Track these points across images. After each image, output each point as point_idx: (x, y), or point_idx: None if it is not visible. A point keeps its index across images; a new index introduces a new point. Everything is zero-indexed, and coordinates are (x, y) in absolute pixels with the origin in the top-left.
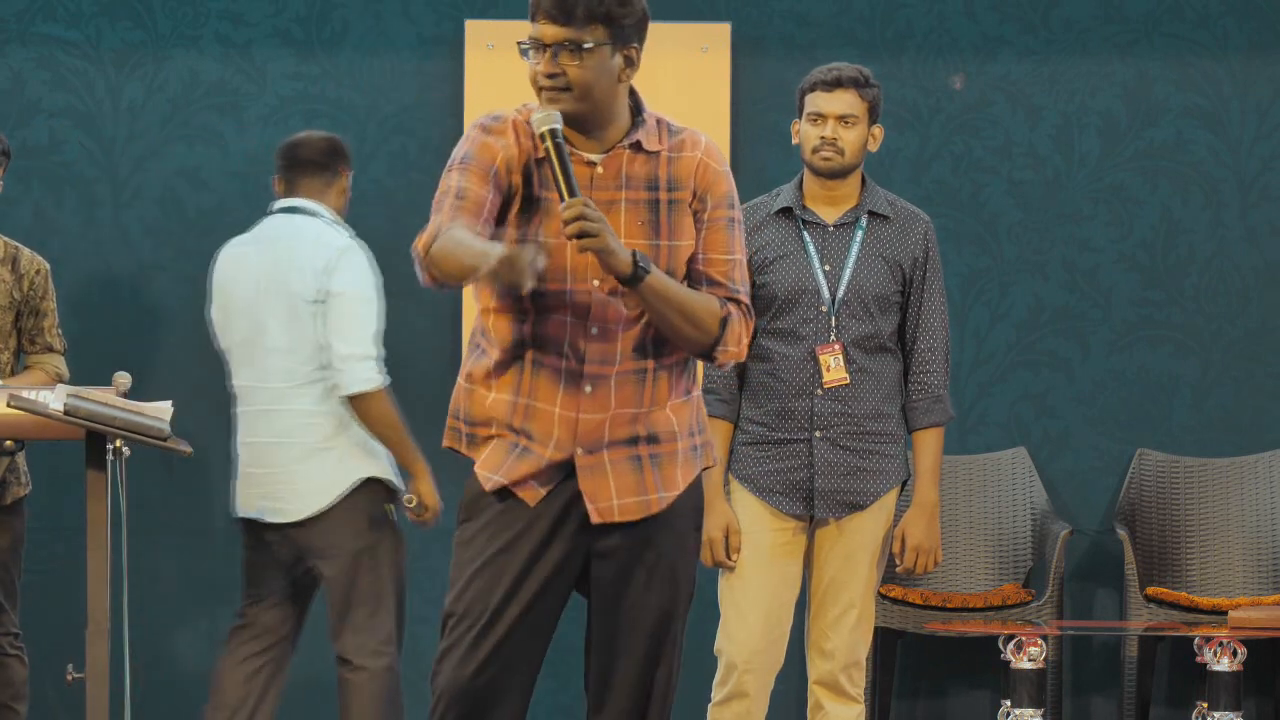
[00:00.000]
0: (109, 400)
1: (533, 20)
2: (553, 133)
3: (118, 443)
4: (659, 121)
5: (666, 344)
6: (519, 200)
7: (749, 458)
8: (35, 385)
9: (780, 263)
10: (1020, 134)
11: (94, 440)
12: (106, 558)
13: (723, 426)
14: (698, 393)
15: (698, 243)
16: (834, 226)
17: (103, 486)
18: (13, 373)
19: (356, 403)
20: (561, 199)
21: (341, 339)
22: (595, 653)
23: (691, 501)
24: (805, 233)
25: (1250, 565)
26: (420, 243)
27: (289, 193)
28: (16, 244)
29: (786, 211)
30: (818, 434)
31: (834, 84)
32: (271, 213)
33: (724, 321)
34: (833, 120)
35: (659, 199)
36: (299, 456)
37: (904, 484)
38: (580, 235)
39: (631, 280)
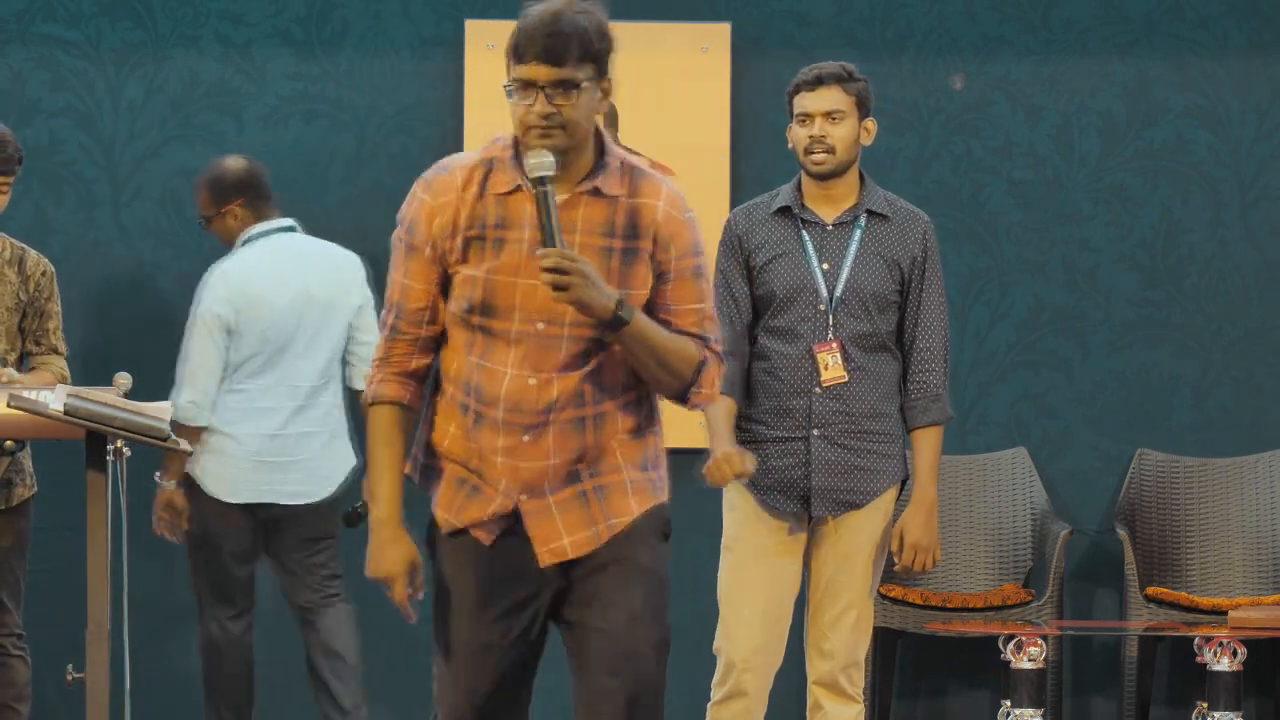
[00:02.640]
0: (109, 400)
1: (519, 61)
2: (543, 180)
3: (118, 443)
4: (622, 164)
5: (609, 390)
6: (474, 244)
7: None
8: (41, 386)
9: (778, 261)
10: (1020, 134)
11: (94, 440)
12: (106, 558)
13: (725, 400)
14: (654, 432)
15: (666, 294)
16: (832, 225)
17: (103, 486)
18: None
19: None
20: (544, 243)
21: (373, 340)
22: (580, 674)
23: (652, 522)
24: (804, 231)
25: (1250, 565)
26: (368, 393)
27: (262, 215)
28: (23, 245)
29: (785, 211)
30: (815, 432)
31: (816, 82)
32: (268, 233)
33: (700, 365)
34: (819, 118)
35: (613, 246)
36: (325, 443)
37: (903, 483)
38: (557, 287)
39: (613, 324)
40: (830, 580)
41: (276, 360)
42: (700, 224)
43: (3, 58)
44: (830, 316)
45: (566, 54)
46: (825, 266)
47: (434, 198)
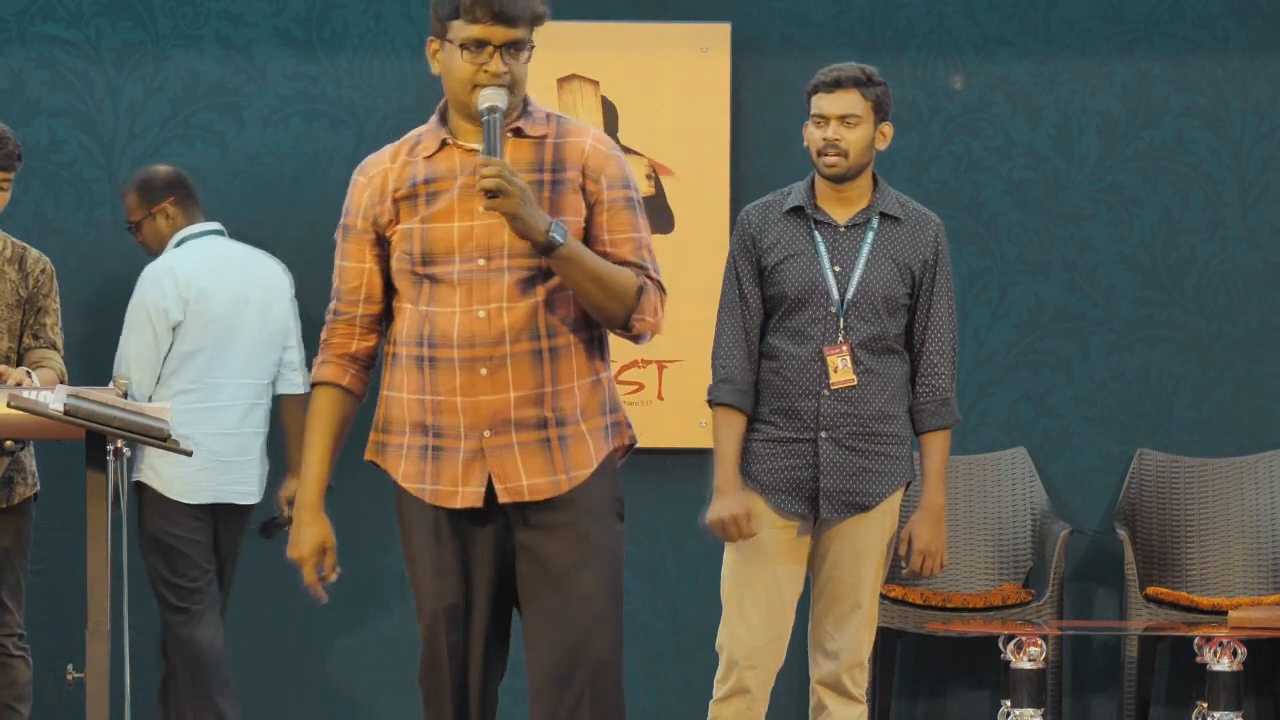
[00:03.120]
0: (109, 400)
1: (472, 19)
2: (494, 108)
3: (118, 443)
4: (549, 115)
5: (562, 322)
6: (404, 204)
7: (754, 455)
8: (47, 384)
9: (790, 262)
10: (1020, 134)
11: (94, 440)
12: (106, 558)
13: (735, 416)
14: (608, 374)
15: (601, 224)
16: (845, 227)
17: (103, 486)
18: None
19: (300, 399)
20: (485, 161)
21: (297, 344)
22: (530, 641)
23: (608, 488)
24: (816, 233)
25: (1250, 565)
26: (311, 375)
27: (193, 217)
28: (23, 244)
29: (798, 211)
30: (823, 434)
31: (834, 85)
32: (202, 234)
33: (640, 290)
34: (834, 121)
35: (543, 180)
36: (263, 444)
37: (909, 486)
38: (494, 191)
39: (547, 247)
40: (837, 580)
41: (223, 358)
42: (705, 225)
43: (3, 58)
44: (841, 319)
45: (519, 16)
46: (837, 269)
47: (365, 175)
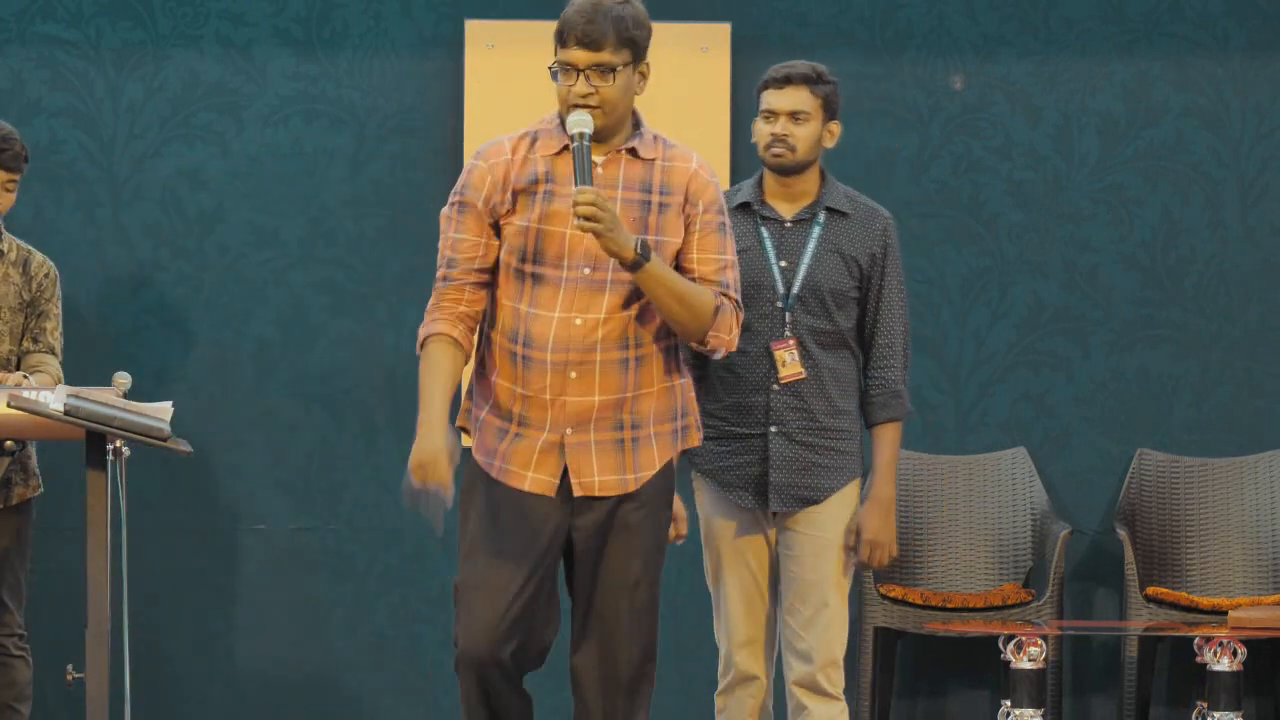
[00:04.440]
0: (109, 400)
1: (563, 45)
2: (582, 135)
3: (118, 443)
4: (655, 137)
5: (648, 333)
6: (523, 196)
7: (708, 451)
8: (42, 386)
9: (737, 258)
10: (1020, 134)
11: (94, 440)
12: (106, 558)
13: None
14: (684, 379)
15: (691, 244)
16: (791, 222)
17: (103, 486)
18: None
19: None
20: (576, 187)
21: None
22: (577, 602)
23: (664, 481)
24: (763, 228)
25: (1250, 565)
26: (419, 337)
27: None
28: (29, 247)
29: (745, 207)
30: (773, 429)
31: (784, 81)
32: None
33: (717, 310)
34: (784, 117)
35: (650, 200)
36: None
37: (866, 479)
38: (588, 219)
39: (634, 265)
40: (800, 580)
41: None
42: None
43: (3, 58)
44: (787, 314)
45: (604, 40)
46: (783, 263)
47: (486, 161)
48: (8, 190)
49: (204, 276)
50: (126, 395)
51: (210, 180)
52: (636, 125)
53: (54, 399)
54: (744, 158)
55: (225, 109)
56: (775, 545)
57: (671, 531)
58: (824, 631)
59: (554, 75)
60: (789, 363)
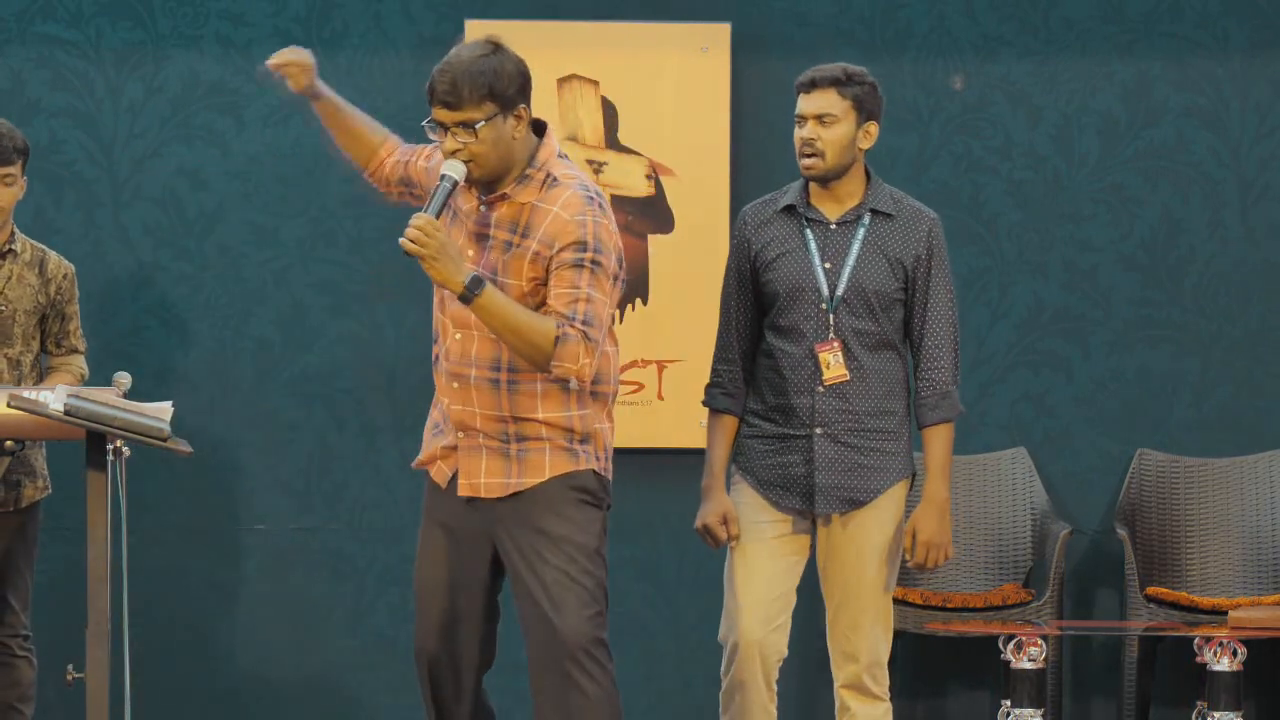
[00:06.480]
0: (109, 400)
1: (430, 103)
2: (446, 177)
3: (118, 443)
4: (548, 179)
5: (524, 364)
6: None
7: (752, 450)
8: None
9: (782, 260)
10: (1020, 134)
11: (94, 440)
12: (106, 558)
13: (727, 421)
14: (583, 412)
15: (551, 282)
16: (836, 224)
17: (103, 486)
18: (36, 375)
19: None
20: (415, 216)
21: None
22: (517, 600)
23: (570, 480)
24: (808, 230)
25: (1250, 565)
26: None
27: None
28: (44, 247)
29: (790, 210)
30: (818, 430)
31: (810, 85)
32: None
33: (558, 340)
34: (811, 121)
35: (512, 242)
36: None
37: (914, 480)
38: (412, 241)
39: (462, 297)
40: (845, 582)
41: None
42: (705, 225)
43: (3, 58)
44: (831, 315)
45: (462, 100)
46: (827, 265)
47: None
48: (6, 184)
49: (204, 276)
50: (126, 395)
51: (210, 180)
52: (525, 171)
53: (54, 399)
54: (744, 158)
55: (225, 109)
56: (815, 554)
57: (710, 542)
58: (870, 632)
59: (430, 131)
60: (833, 364)
